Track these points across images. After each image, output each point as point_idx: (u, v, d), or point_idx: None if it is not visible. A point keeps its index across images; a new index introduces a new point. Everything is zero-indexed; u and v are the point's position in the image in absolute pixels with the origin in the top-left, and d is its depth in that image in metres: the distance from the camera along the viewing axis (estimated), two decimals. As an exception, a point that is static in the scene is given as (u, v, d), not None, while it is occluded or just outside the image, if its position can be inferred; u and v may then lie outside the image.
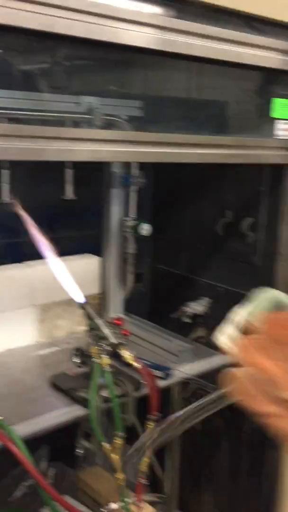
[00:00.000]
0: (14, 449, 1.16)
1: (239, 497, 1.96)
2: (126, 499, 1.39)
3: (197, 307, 1.96)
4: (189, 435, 2.07)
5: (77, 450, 1.43)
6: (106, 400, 1.32)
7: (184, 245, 2.05)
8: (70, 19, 1.03)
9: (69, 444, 1.56)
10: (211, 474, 2.05)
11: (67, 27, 1.03)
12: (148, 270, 2.21)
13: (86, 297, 1.39)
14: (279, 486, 1.82)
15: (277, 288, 1.71)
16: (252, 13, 1.33)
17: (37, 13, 0.99)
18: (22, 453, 1.17)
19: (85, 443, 1.40)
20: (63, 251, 1.38)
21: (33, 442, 1.22)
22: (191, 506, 2.10)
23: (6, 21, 0.93)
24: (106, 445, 1.30)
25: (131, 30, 1.14)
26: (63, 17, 1.02)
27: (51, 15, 1.01)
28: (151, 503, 1.75)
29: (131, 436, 1.59)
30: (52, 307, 1.75)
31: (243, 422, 1.94)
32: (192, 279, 2.04)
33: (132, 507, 1.45)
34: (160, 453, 1.80)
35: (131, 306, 2.06)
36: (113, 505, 1.55)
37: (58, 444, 1.78)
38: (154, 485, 1.95)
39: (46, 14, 1.00)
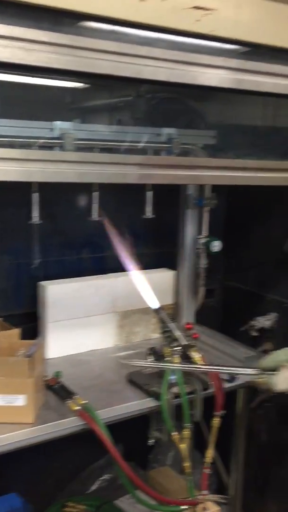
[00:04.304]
0: (97, 429, 1.35)
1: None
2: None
3: (265, 321, 2.08)
4: (255, 443, 2.17)
5: (149, 441, 1.58)
6: (176, 396, 1.48)
7: (253, 263, 2.18)
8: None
9: (141, 446, 1.72)
10: (275, 482, 2.12)
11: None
12: (219, 286, 2.35)
13: (161, 306, 1.57)
14: None
15: None
16: None
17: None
18: (104, 434, 1.34)
19: (157, 434, 1.55)
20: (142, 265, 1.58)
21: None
22: (255, 510, 2.17)
23: (108, 72, 1.17)
24: (175, 435, 1.45)
25: (206, 73, 1.34)
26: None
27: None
28: (217, 503, 1.86)
29: (197, 431, 1.73)
30: (131, 314, 1.95)
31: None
32: (260, 295, 2.16)
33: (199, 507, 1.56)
34: (225, 458, 1.92)
35: (203, 319, 2.21)
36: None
37: (131, 445, 1.95)
38: (220, 488, 2.06)
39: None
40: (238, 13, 1.28)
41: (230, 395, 1.72)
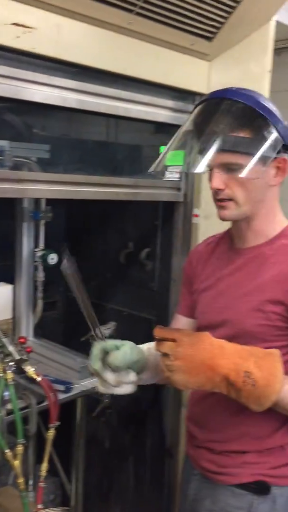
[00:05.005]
0: None
1: (144, 506, 2.11)
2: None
3: (105, 330, 2.15)
4: (96, 450, 2.22)
5: (-18, 461, 1.53)
6: (10, 412, 1.46)
7: (93, 274, 2.24)
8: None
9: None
10: (117, 486, 2.19)
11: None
12: (61, 298, 2.37)
13: (-2, 321, 1.54)
14: (177, 492, 2.00)
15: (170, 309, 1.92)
16: (142, 78, 1.58)
17: None
18: None
19: (-11, 453, 1.51)
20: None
21: None
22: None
23: None
24: (7, 452, 1.42)
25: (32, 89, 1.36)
26: None
27: None
28: (58, 516, 1.86)
29: (39, 444, 1.72)
30: None
31: (146, 437, 2.11)
32: (100, 305, 2.23)
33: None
34: (67, 468, 1.92)
35: (46, 331, 2.21)
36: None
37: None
38: (65, 500, 2.06)
39: None
40: (58, 34, 1.32)
41: (70, 405, 1.74)
